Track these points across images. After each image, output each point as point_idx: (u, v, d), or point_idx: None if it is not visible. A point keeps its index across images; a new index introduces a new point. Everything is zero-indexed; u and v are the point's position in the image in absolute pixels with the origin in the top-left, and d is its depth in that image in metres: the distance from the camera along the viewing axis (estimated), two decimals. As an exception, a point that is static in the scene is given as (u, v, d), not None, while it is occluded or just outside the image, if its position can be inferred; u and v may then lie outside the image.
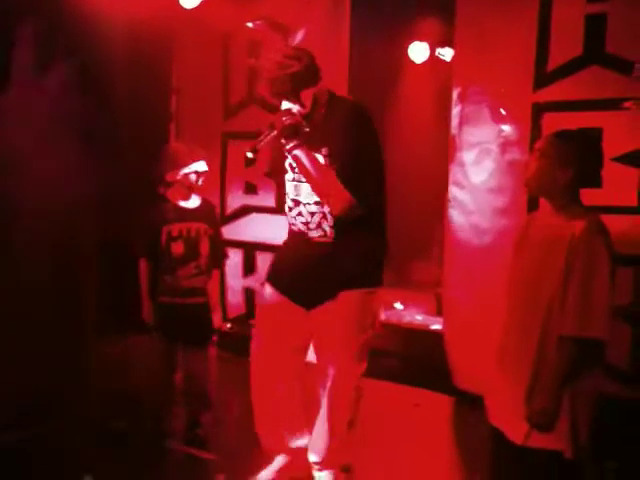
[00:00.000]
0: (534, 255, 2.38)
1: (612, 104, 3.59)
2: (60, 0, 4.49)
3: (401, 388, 4.46)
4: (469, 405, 3.88)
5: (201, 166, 3.51)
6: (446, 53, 6.63)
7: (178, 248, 3.47)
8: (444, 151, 4.43)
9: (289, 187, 2.98)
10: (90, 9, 4.61)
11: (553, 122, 3.66)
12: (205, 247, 3.55)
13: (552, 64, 3.81)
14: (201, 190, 3.60)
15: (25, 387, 3.62)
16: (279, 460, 3.13)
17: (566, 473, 2.27)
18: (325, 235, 2.88)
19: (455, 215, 4.26)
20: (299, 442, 3.11)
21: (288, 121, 2.71)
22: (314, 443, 3.01)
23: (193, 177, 3.49)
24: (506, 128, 4.00)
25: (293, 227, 3.02)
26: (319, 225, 2.88)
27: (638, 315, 3.48)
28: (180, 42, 5.43)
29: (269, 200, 5.07)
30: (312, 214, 2.89)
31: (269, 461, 3.20)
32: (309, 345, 3.10)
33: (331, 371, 2.91)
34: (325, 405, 2.94)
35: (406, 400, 4.30)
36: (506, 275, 2.54)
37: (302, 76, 2.75)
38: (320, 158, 2.80)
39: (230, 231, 5.09)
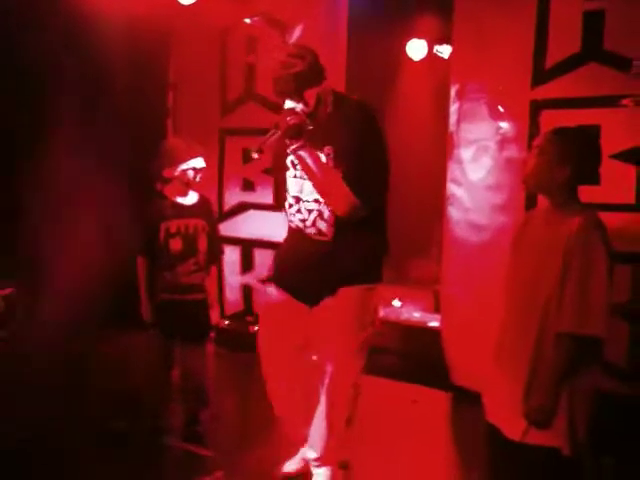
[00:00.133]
0: (532, 252, 2.39)
1: (610, 101, 3.59)
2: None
3: (399, 385, 4.47)
4: (467, 402, 3.88)
5: (199, 162, 3.51)
6: (444, 50, 6.63)
7: (176, 245, 3.46)
8: (442, 148, 4.42)
9: (290, 184, 2.97)
10: (88, 5, 4.61)
11: (551, 119, 3.66)
12: (203, 243, 3.54)
13: (550, 61, 3.80)
14: (198, 186, 3.59)
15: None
16: (304, 451, 3.13)
17: (564, 470, 2.27)
18: (321, 233, 2.89)
19: (453, 212, 4.26)
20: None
21: (292, 121, 2.70)
22: (312, 439, 3.02)
23: (191, 173, 3.49)
24: (504, 125, 4.00)
25: (291, 224, 3.02)
26: (314, 223, 2.89)
27: (636, 312, 3.48)
28: (177, 38, 5.42)
29: (267, 197, 5.06)
30: (310, 211, 2.89)
31: (268, 457, 3.23)
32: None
33: (330, 368, 2.92)
34: (323, 402, 2.94)
35: (404, 397, 4.31)
36: (504, 272, 2.54)
37: (306, 75, 2.74)
38: (323, 157, 2.79)
39: (228, 228, 5.09)
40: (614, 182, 3.40)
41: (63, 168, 5.17)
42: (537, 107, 3.85)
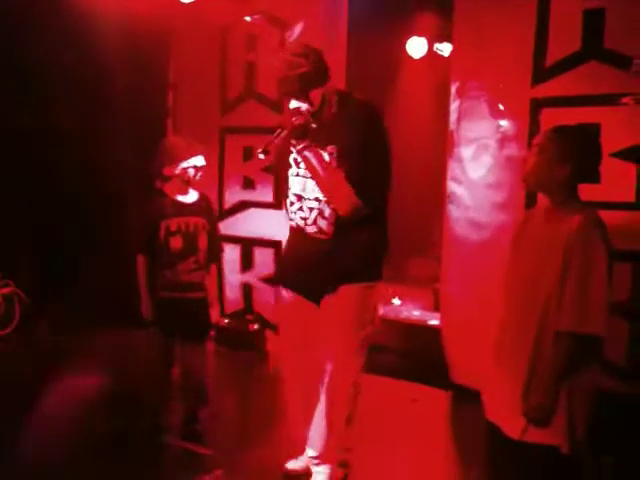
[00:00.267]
0: (532, 251, 2.38)
1: (610, 99, 3.59)
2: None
3: (399, 383, 4.47)
4: (466, 400, 3.88)
5: (199, 161, 3.50)
6: (444, 48, 6.62)
7: (177, 243, 3.46)
8: (442, 146, 4.42)
9: (293, 182, 2.98)
10: (88, 4, 4.60)
11: (551, 117, 3.66)
12: (203, 242, 3.54)
13: (550, 59, 3.80)
14: (199, 185, 3.59)
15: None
16: (310, 451, 3.13)
17: (563, 468, 2.27)
18: (322, 231, 2.89)
19: (453, 210, 4.26)
20: None
21: (297, 121, 2.72)
22: (312, 438, 3.02)
23: (191, 172, 3.48)
24: (504, 123, 4.00)
25: (292, 222, 3.03)
26: (315, 221, 2.89)
27: (635, 311, 3.48)
28: (177, 37, 5.41)
29: (267, 195, 5.06)
30: (311, 210, 2.90)
31: (268, 455, 3.25)
32: None
33: (330, 366, 2.93)
34: (324, 400, 2.95)
35: (404, 395, 4.31)
36: (503, 271, 2.54)
37: (311, 76, 2.75)
38: (327, 156, 2.80)
39: (228, 226, 5.09)
40: (614, 180, 3.40)
41: (63, 167, 5.18)
42: (537, 105, 3.84)
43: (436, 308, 5.25)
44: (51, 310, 5.09)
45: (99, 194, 5.17)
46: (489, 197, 4.08)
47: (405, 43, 6.82)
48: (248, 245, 5.19)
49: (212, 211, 3.78)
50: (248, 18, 5.11)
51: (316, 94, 2.79)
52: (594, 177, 2.42)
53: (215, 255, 3.73)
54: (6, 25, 4.77)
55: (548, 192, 2.40)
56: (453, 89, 4.26)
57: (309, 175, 2.85)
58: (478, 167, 4.12)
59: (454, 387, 4.24)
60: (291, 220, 3.02)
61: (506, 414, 2.35)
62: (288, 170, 2.99)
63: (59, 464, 3.08)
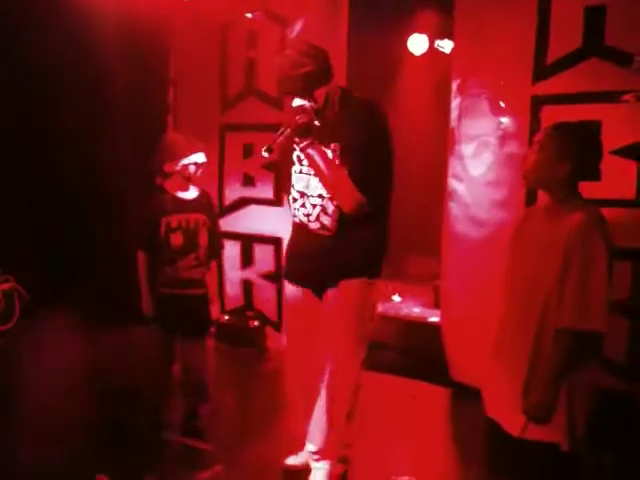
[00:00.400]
0: (532, 248, 2.38)
1: (611, 97, 3.59)
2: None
3: (398, 380, 4.47)
4: (466, 397, 3.89)
5: (200, 157, 3.50)
6: (445, 45, 6.61)
7: (177, 239, 3.46)
8: (443, 144, 4.42)
9: (296, 179, 3.00)
10: (88, 1, 4.60)
11: (552, 115, 3.65)
12: (204, 238, 3.54)
13: (551, 56, 3.79)
14: (199, 181, 3.59)
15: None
16: (310, 447, 3.15)
17: (562, 465, 2.28)
18: (325, 228, 2.91)
19: (453, 208, 4.26)
20: None
21: (301, 119, 2.74)
22: (312, 433, 3.04)
23: (192, 168, 3.48)
24: (505, 121, 3.99)
25: (295, 219, 3.05)
26: (318, 218, 2.91)
27: (635, 309, 3.48)
28: (178, 33, 5.40)
29: (267, 192, 5.07)
30: (314, 206, 2.92)
31: (268, 451, 3.27)
32: None
33: (331, 361, 2.94)
34: (324, 395, 2.96)
35: (403, 392, 4.31)
36: (503, 268, 2.54)
37: (315, 75, 2.78)
38: (330, 154, 2.82)
39: (228, 223, 5.09)
40: (615, 178, 3.40)
41: (64, 164, 5.17)
42: (538, 102, 3.84)
43: (436, 305, 5.25)
44: (51, 307, 5.09)
45: (99, 191, 5.17)
46: (489, 194, 4.08)
47: (406, 40, 6.83)
48: (248, 242, 5.19)
49: (212, 208, 3.78)
50: (248, 15, 5.10)
51: (320, 93, 2.82)
52: (594, 175, 2.42)
53: (215, 252, 3.73)
54: (6, 24, 4.77)
55: (549, 189, 2.40)
56: (454, 86, 4.25)
57: (312, 172, 2.87)
58: (479, 164, 4.12)
59: (454, 384, 4.24)
60: (294, 217, 3.04)
61: (506, 411, 2.35)
62: (291, 167, 3.02)
63: (59, 460, 3.09)
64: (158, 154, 3.51)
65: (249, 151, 5.13)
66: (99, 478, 2.94)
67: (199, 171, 3.52)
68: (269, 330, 5.11)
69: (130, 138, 5.13)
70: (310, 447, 3.04)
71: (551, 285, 2.25)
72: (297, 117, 2.75)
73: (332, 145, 2.83)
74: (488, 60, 4.07)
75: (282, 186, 3.14)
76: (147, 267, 3.51)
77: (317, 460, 3.03)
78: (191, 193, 3.56)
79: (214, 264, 3.72)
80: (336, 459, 3.03)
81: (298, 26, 4.85)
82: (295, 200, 3.00)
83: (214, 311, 3.68)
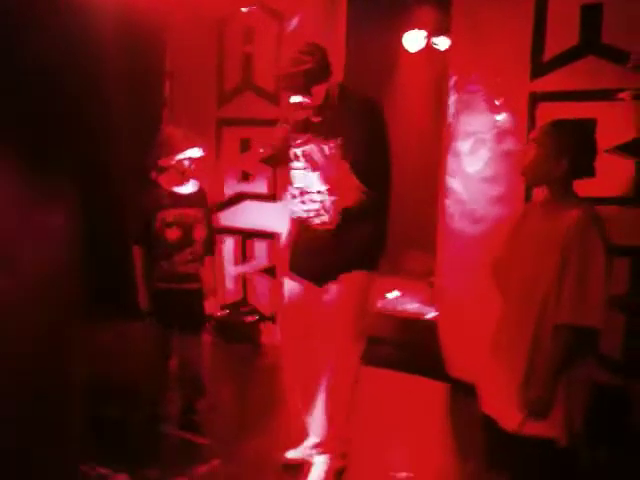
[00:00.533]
0: (530, 245, 2.39)
1: (608, 94, 3.60)
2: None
3: (395, 375, 4.49)
4: (462, 393, 3.91)
5: (196, 152, 3.50)
6: (441, 42, 6.61)
7: (173, 234, 3.46)
8: (439, 140, 4.42)
9: (295, 175, 3.02)
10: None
11: (549, 112, 3.66)
12: (199, 233, 3.54)
13: (548, 54, 3.80)
14: (194, 176, 3.59)
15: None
16: (311, 440, 3.18)
17: (559, 461, 2.29)
18: (325, 223, 2.94)
19: (450, 204, 4.26)
20: None
21: (299, 116, 2.80)
22: (313, 427, 3.06)
23: (187, 163, 3.48)
24: (502, 118, 4.00)
25: (294, 215, 3.07)
26: (318, 213, 2.94)
27: (632, 305, 3.50)
28: (174, 27, 5.37)
29: (263, 187, 5.06)
30: (314, 202, 2.94)
31: (265, 445, 3.29)
32: None
33: (329, 356, 2.97)
34: (324, 389, 2.98)
35: (400, 387, 4.33)
36: (494, 261, 2.56)
37: (315, 72, 2.81)
38: (328, 150, 2.85)
39: (224, 218, 5.09)
40: (611, 175, 3.41)
41: (60, 158, 5.15)
42: (535, 100, 3.85)
43: (432, 301, 5.26)
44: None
45: (94, 185, 5.15)
46: (486, 191, 4.09)
47: (403, 37, 6.81)
48: (245, 237, 5.19)
49: (207, 203, 3.78)
50: (245, 9, 5.09)
51: (318, 89, 2.84)
52: (589, 172, 2.43)
53: (211, 247, 3.73)
54: (3, 18, 4.74)
55: (546, 186, 2.41)
56: (451, 83, 4.25)
57: (311, 168, 2.90)
58: (475, 161, 4.13)
59: (450, 380, 4.26)
60: (294, 213, 3.06)
61: (503, 407, 2.36)
62: (290, 164, 3.03)
63: (56, 454, 3.08)
64: (154, 148, 3.51)
65: (246, 146, 5.12)
66: (119, 477, 2.95)
67: (193, 166, 3.51)
68: (265, 325, 5.11)
69: (126, 132, 5.11)
70: (311, 440, 3.06)
71: (549, 282, 2.26)
72: (295, 113, 2.80)
73: (331, 141, 2.85)
74: (485, 57, 4.08)
75: (282, 183, 3.15)
76: (143, 262, 3.51)
77: (318, 454, 3.05)
78: (187, 188, 3.56)
79: (210, 259, 3.72)
80: (336, 453, 3.04)
81: (295, 21, 4.85)
82: (295, 196, 3.02)
83: (211, 306, 3.69)
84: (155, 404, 3.57)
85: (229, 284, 5.27)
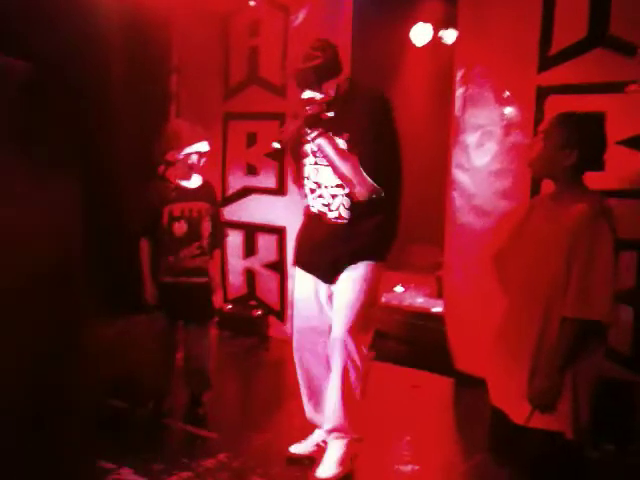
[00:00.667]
0: (537, 237, 2.38)
1: (616, 87, 3.57)
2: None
3: (401, 370, 4.48)
4: (469, 387, 3.90)
5: (203, 146, 3.50)
6: (448, 35, 6.58)
7: (180, 228, 3.46)
8: (446, 133, 4.40)
9: (310, 171, 3.06)
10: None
11: (556, 105, 3.64)
12: (207, 227, 3.55)
13: (556, 46, 3.77)
14: (202, 170, 3.59)
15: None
16: (319, 433, 3.21)
17: (566, 454, 2.29)
18: (341, 217, 2.99)
19: (457, 198, 4.25)
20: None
21: (311, 111, 2.83)
22: (327, 411, 3.08)
23: (194, 157, 3.48)
24: (509, 111, 3.98)
25: (312, 209, 3.11)
26: (337, 208, 2.99)
27: (640, 299, 3.49)
28: (180, 21, 5.37)
29: (270, 181, 5.06)
30: (334, 196, 2.99)
31: (272, 439, 3.28)
32: None
33: (340, 344, 2.98)
34: (336, 375, 3.00)
35: (406, 381, 4.32)
36: (494, 252, 2.56)
37: (326, 68, 2.85)
38: (341, 143, 2.89)
39: (231, 212, 5.08)
40: (620, 168, 3.40)
41: (65, 152, 5.16)
42: (543, 93, 3.82)
43: (439, 295, 5.25)
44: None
45: (101, 179, 5.16)
46: (493, 184, 4.07)
47: (409, 30, 6.79)
48: (251, 231, 5.19)
49: (215, 196, 3.78)
50: (251, 3, 5.08)
51: (329, 85, 2.89)
52: (599, 165, 2.42)
53: (219, 241, 3.73)
54: (6, 10, 4.74)
55: (554, 179, 2.40)
56: (458, 76, 4.23)
57: (325, 163, 2.94)
58: (482, 154, 4.11)
59: (457, 374, 4.25)
60: (311, 207, 3.10)
61: (511, 400, 2.36)
62: (304, 159, 3.08)
63: (61, 448, 3.09)
64: (161, 142, 3.51)
65: (252, 140, 5.12)
66: (124, 471, 2.96)
67: (202, 160, 3.52)
68: (272, 319, 5.12)
69: (133, 127, 5.12)
70: (327, 425, 3.08)
71: (556, 273, 2.25)
72: (307, 108, 2.83)
73: (343, 136, 2.89)
74: (492, 50, 4.05)
75: (296, 178, 3.19)
76: (150, 255, 3.51)
77: (334, 438, 3.07)
78: (194, 182, 3.56)
79: (217, 253, 3.73)
80: (351, 438, 3.07)
81: (301, 14, 4.83)
82: (313, 191, 3.06)
83: (217, 300, 3.69)
84: (161, 398, 3.57)
85: (236, 278, 5.28)
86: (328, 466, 3.01)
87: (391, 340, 4.77)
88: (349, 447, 3.06)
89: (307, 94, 2.87)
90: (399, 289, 6.02)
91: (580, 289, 2.20)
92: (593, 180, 2.39)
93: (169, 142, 3.48)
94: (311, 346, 3.15)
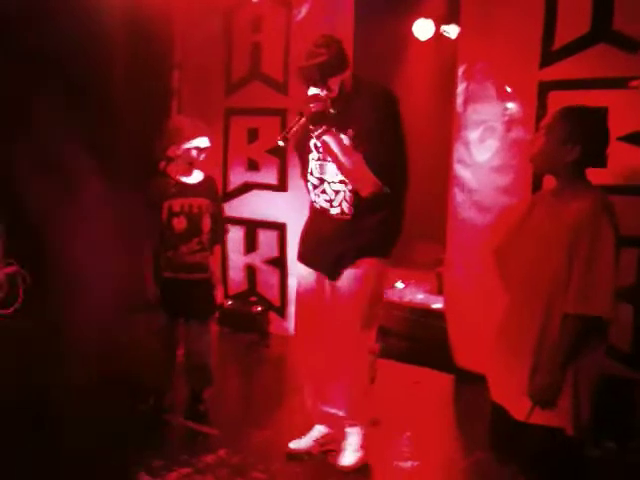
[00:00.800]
0: (538, 233, 2.37)
1: (619, 83, 3.55)
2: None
3: (401, 366, 4.48)
4: (469, 383, 3.90)
5: (203, 142, 3.49)
6: (451, 30, 6.57)
7: (180, 224, 3.46)
8: (448, 129, 4.39)
9: (314, 166, 3.07)
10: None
11: (559, 100, 3.61)
12: (207, 223, 3.53)
13: (559, 42, 3.76)
14: (203, 166, 3.58)
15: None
16: (319, 429, 3.23)
17: (566, 450, 2.28)
18: (344, 213, 3.00)
19: (458, 194, 4.24)
20: (340, 412, 3.19)
21: (315, 108, 2.82)
22: (339, 402, 3.11)
23: (194, 153, 3.47)
24: (511, 106, 3.97)
25: (315, 205, 3.12)
26: (339, 203, 2.99)
27: (641, 296, 3.48)
28: (182, 16, 5.36)
29: (271, 177, 5.05)
30: (336, 192, 2.99)
31: (272, 435, 3.29)
32: None
33: (344, 340, 3.00)
34: (344, 368, 3.04)
35: (406, 378, 4.32)
36: (495, 248, 2.55)
37: (330, 65, 2.84)
38: (346, 140, 2.89)
39: (232, 208, 5.07)
40: (622, 164, 3.38)
41: (67, 149, 5.16)
42: (545, 88, 3.81)
43: (440, 292, 5.25)
44: (52, 290, 5.08)
45: (102, 175, 5.15)
46: (495, 180, 4.06)
47: (412, 25, 6.77)
48: (252, 227, 5.18)
49: (217, 192, 3.77)
50: (254, -2, 5.07)
51: (335, 81, 2.88)
52: (601, 161, 2.40)
53: (220, 236, 3.72)
54: (7, 7, 4.73)
55: (555, 174, 2.39)
56: (460, 71, 4.22)
57: (329, 159, 2.94)
58: (484, 150, 4.10)
59: (457, 370, 4.25)
60: (315, 202, 3.11)
61: (512, 396, 2.35)
62: (308, 154, 3.08)
63: (61, 443, 3.10)
64: (162, 138, 3.50)
65: (254, 135, 5.11)
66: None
67: (202, 155, 3.51)
68: (272, 315, 5.11)
69: (134, 123, 5.11)
70: (341, 414, 3.12)
71: (558, 269, 2.24)
72: (311, 105, 2.82)
73: (348, 131, 2.89)
74: (495, 45, 4.04)
75: (301, 173, 3.20)
76: (151, 251, 3.51)
77: (350, 425, 3.11)
78: (194, 178, 3.55)
79: (218, 249, 3.72)
80: (367, 422, 3.13)
81: (303, 10, 4.82)
82: (315, 187, 3.07)
83: (218, 296, 3.68)
84: (162, 394, 3.57)
85: (237, 274, 5.27)
86: (348, 455, 3.09)
87: (391, 336, 4.76)
88: (365, 434, 3.12)
89: (312, 91, 2.86)
90: (399, 285, 6.01)
91: (582, 285, 2.19)
92: (594, 176, 2.38)
93: (169, 138, 3.47)
94: (314, 341, 3.15)
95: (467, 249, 4.21)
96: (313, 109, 2.82)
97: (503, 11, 3.99)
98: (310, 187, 3.10)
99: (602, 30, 3.61)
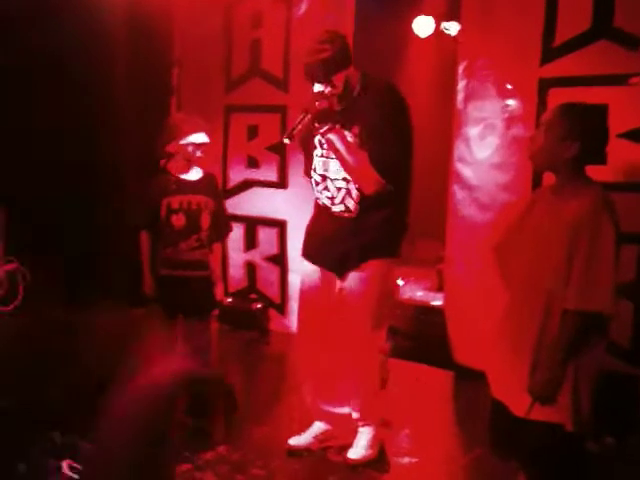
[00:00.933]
0: (538, 230, 2.37)
1: (619, 79, 3.55)
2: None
3: (401, 363, 4.47)
4: (469, 380, 3.89)
5: (199, 138, 3.47)
6: (451, 27, 6.56)
7: (179, 221, 3.45)
8: (448, 126, 4.39)
9: (317, 163, 3.06)
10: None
11: (559, 97, 3.60)
12: (206, 220, 3.52)
13: (559, 38, 3.75)
14: (202, 163, 3.57)
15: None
16: (318, 426, 3.23)
17: (566, 446, 2.28)
18: (348, 210, 2.98)
19: (458, 191, 4.24)
20: (342, 410, 3.21)
21: (321, 105, 2.81)
22: (353, 405, 3.13)
23: (191, 149, 3.45)
24: (512, 103, 3.96)
25: (318, 201, 3.12)
26: (343, 200, 2.98)
27: (641, 293, 3.48)
28: (182, 13, 5.35)
29: (271, 174, 5.04)
30: (338, 189, 2.98)
31: (271, 432, 3.30)
32: None
33: (355, 337, 3.01)
34: (354, 369, 3.05)
35: (406, 375, 4.32)
36: (495, 245, 2.55)
37: (334, 61, 2.82)
38: (351, 137, 2.88)
39: (232, 205, 5.06)
40: (622, 161, 3.38)
41: (67, 145, 5.15)
42: (545, 85, 3.80)
43: (439, 289, 5.25)
44: (53, 288, 5.08)
45: (102, 172, 5.15)
46: (495, 177, 4.06)
47: (412, 22, 6.76)
48: (252, 224, 5.18)
49: (217, 189, 3.76)
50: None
51: (339, 78, 2.85)
52: (601, 158, 2.40)
53: (219, 234, 3.71)
54: (8, 5, 4.73)
55: (555, 170, 2.38)
56: (460, 68, 4.22)
57: (332, 156, 2.93)
58: (484, 147, 4.09)
59: (457, 367, 4.24)
60: (318, 199, 3.11)
61: (512, 392, 2.35)
62: (312, 151, 3.07)
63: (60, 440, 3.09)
64: (161, 135, 3.49)
65: (253, 132, 5.10)
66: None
67: (198, 152, 3.48)
68: (272, 312, 5.11)
69: (134, 120, 5.10)
70: (354, 414, 3.14)
71: (558, 266, 2.24)
72: (317, 103, 2.81)
73: (353, 129, 2.88)
74: (495, 42, 4.03)
75: (305, 170, 3.19)
76: (149, 248, 3.50)
77: (362, 425, 3.12)
78: (193, 175, 3.54)
79: (218, 246, 3.71)
80: (379, 422, 3.15)
81: (304, 6, 4.81)
82: (317, 184, 3.06)
83: (218, 293, 3.67)
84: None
85: (237, 271, 5.27)
86: (357, 449, 3.10)
87: (390, 333, 4.75)
88: (376, 433, 3.13)
89: (317, 88, 2.85)
90: (399, 282, 6.00)
91: (582, 281, 2.19)
92: (594, 173, 2.38)
93: (168, 134, 3.46)
94: (317, 338, 3.15)
95: (467, 246, 4.20)
96: (318, 107, 2.80)
97: (503, 8, 3.99)
98: (313, 184, 3.10)
99: (603, 27, 3.60)
